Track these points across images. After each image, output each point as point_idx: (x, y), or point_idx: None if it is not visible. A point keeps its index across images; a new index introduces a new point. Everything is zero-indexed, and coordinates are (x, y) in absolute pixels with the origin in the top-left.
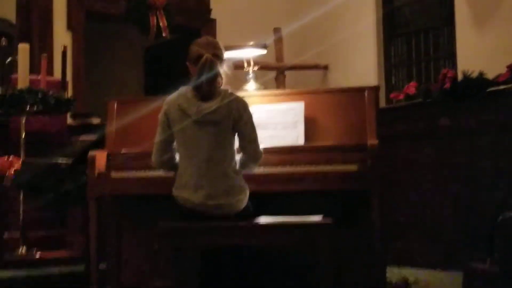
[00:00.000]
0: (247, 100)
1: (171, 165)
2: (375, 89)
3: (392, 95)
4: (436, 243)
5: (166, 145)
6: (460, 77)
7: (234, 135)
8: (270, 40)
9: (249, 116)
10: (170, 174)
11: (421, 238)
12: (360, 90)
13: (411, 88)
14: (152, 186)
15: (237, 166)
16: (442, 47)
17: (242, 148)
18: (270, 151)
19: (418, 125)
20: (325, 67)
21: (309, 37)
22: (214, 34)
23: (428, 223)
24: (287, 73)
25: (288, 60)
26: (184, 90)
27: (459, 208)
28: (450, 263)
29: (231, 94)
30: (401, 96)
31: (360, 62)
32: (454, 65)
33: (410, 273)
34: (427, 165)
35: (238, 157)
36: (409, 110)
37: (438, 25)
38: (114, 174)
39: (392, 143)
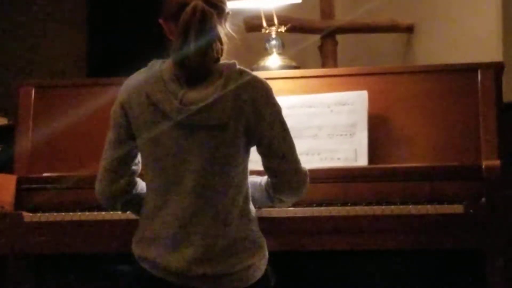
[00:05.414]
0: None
1: (130, 200)
2: (497, 67)
3: None
4: None
5: (123, 165)
6: None
7: (248, 148)
8: None
9: (276, 112)
10: (129, 215)
11: None
12: (469, 70)
13: None
14: (96, 238)
15: (250, 204)
16: None
17: (268, 169)
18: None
19: None
20: (408, 29)
21: None
22: None
23: None
24: (339, 38)
25: (342, 15)
26: (156, 67)
27: None
28: None
29: (242, 73)
30: None
31: (469, 20)
32: None
33: None
34: None
35: (254, 184)
36: None
37: None
38: (30, 217)
39: None
